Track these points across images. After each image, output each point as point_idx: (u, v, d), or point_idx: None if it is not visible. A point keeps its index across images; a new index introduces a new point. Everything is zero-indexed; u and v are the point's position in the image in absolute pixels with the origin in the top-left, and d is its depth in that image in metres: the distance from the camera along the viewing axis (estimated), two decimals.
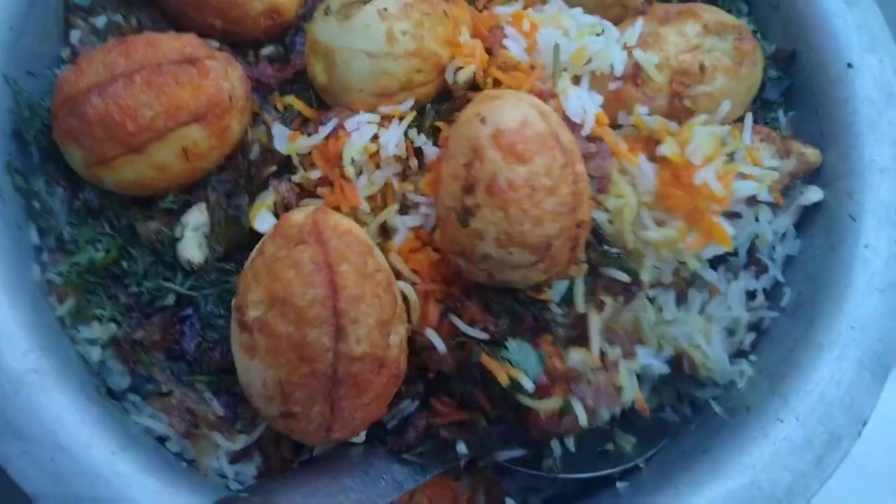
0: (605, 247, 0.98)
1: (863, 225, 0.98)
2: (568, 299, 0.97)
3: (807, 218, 1.06)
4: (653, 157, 1.01)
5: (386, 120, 1.01)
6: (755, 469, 0.89)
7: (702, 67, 1.01)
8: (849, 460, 0.89)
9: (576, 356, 0.97)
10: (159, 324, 0.97)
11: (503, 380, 0.91)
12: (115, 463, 0.85)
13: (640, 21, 1.04)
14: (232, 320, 0.88)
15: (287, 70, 1.11)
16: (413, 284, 0.95)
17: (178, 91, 0.96)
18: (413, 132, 1.00)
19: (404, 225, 0.98)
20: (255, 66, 1.11)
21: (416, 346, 0.95)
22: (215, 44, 1.09)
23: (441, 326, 0.94)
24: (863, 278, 0.96)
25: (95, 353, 0.97)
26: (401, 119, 1.01)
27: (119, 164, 0.95)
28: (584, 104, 0.98)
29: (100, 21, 1.10)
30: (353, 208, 0.98)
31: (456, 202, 0.88)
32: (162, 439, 0.97)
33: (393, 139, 0.98)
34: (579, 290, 0.97)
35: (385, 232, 1.00)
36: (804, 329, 0.99)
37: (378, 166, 1.00)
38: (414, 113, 1.01)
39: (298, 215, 0.89)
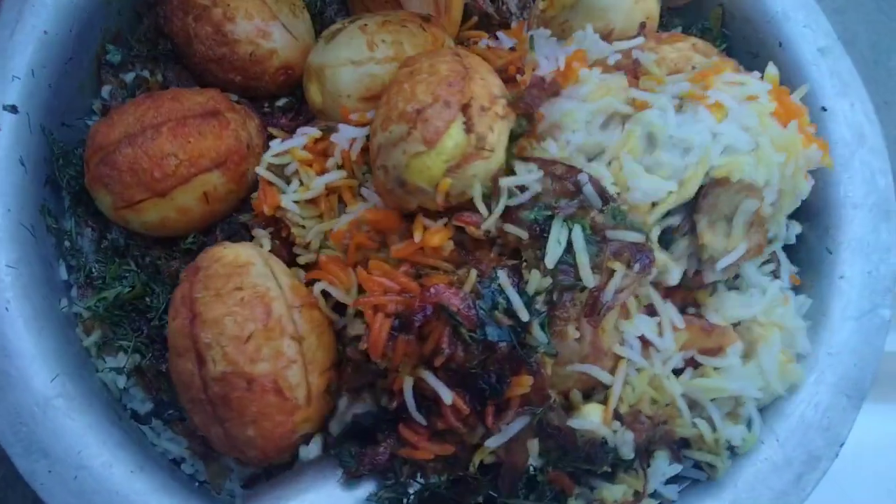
0: (612, 204, 0.89)
1: (838, 257, 1.04)
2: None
3: (787, 250, 1.12)
4: None
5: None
6: (737, 488, 0.92)
7: (693, 68, 1.08)
8: (832, 483, 0.93)
9: (593, 415, 0.89)
10: None
11: None
12: (132, 482, 0.91)
13: (640, 38, 1.11)
14: None
15: (299, 119, 1.21)
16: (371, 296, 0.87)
17: (200, 141, 1.05)
18: None
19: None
20: (271, 115, 1.20)
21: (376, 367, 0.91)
22: (234, 97, 1.18)
23: (396, 347, 0.86)
24: (838, 307, 1.02)
25: (120, 381, 1.03)
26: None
27: (145, 207, 1.03)
28: (557, 53, 1.02)
29: (128, 77, 1.19)
30: (277, 209, 1.03)
31: None
32: (177, 462, 1.02)
33: (344, 137, 1.02)
34: (580, 246, 0.85)
35: None
36: None
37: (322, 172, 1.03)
38: None
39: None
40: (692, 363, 0.96)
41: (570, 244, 0.86)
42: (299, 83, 1.20)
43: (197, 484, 1.02)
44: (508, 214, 0.90)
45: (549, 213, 0.88)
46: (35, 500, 0.89)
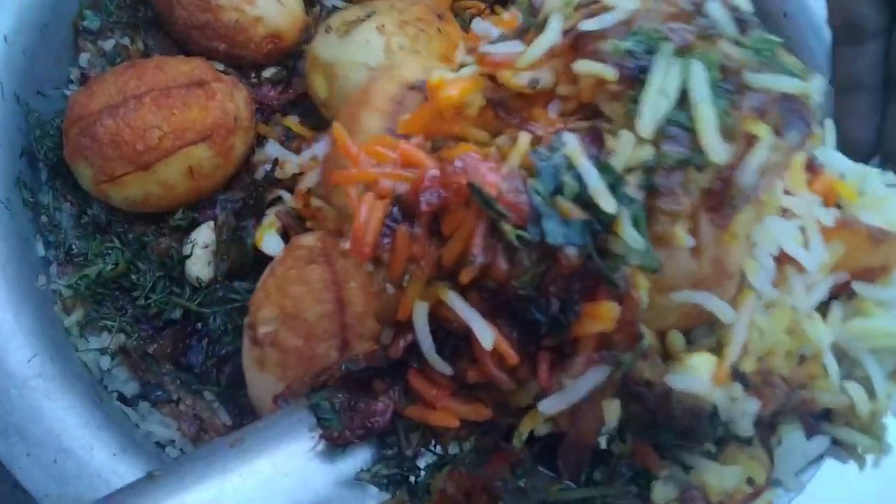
0: (757, 31, 0.58)
1: None
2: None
3: None
4: None
5: None
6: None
7: None
8: (832, 470, 0.91)
9: (702, 370, 0.57)
10: (170, 336, 1.00)
11: None
12: (115, 465, 0.88)
13: None
14: (244, 336, 0.92)
15: (289, 93, 1.16)
16: None
17: (185, 112, 1.00)
18: None
19: None
20: (258, 87, 1.16)
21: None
22: (220, 66, 1.13)
23: (395, 245, 0.56)
24: None
25: (104, 362, 0.99)
26: None
27: (127, 181, 0.99)
28: None
29: (108, 44, 1.14)
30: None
31: None
32: (161, 445, 0.99)
33: None
34: (702, 96, 0.53)
35: None
36: None
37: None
38: None
39: (308, 238, 0.94)
40: (840, 291, 0.64)
41: (683, 94, 0.54)
42: (287, 53, 1.16)
43: None
44: (581, 47, 0.58)
45: (651, 40, 0.55)
46: (15, 483, 0.86)
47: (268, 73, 1.16)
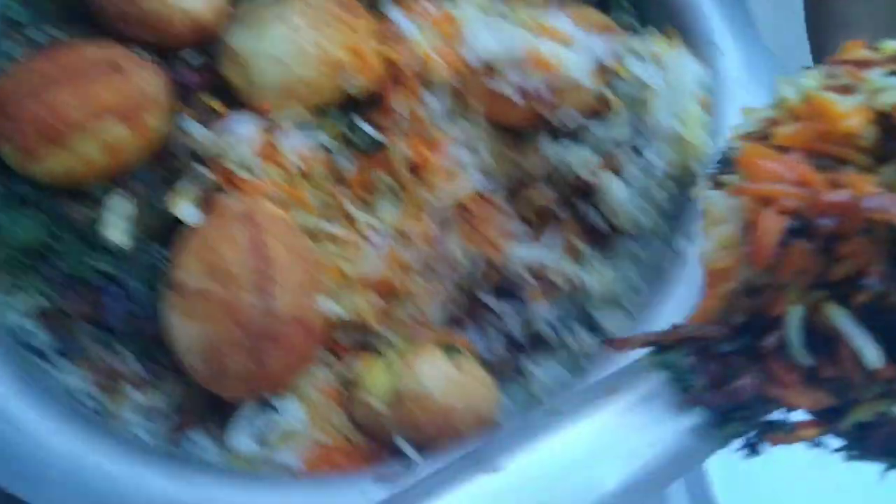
0: None
1: None
2: None
3: None
4: None
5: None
6: None
7: None
8: None
9: None
10: (87, 296, 1.08)
11: None
12: (27, 413, 0.94)
13: None
14: (167, 290, 1.00)
15: (208, 76, 1.23)
16: None
17: (101, 92, 1.08)
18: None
19: None
20: (178, 70, 1.22)
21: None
22: (143, 52, 1.20)
23: (789, 257, 0.61)
24: None
25: (27, 324, 1.07)
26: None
27: (47, 159, 1.06)
28: None
29: (37, 35, 1.21)
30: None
31: None
32: (79, 397, 1.07)
33: (288, 143, 1.11)
34: None
35: None
36: None
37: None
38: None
39: (231, 199, 1.03)
40: None
41: None
42: (211, 41, 1.22)
43: (99, 418, 1.06)
44: None
45: None
46: None
47: (188, 55, 1.23)
